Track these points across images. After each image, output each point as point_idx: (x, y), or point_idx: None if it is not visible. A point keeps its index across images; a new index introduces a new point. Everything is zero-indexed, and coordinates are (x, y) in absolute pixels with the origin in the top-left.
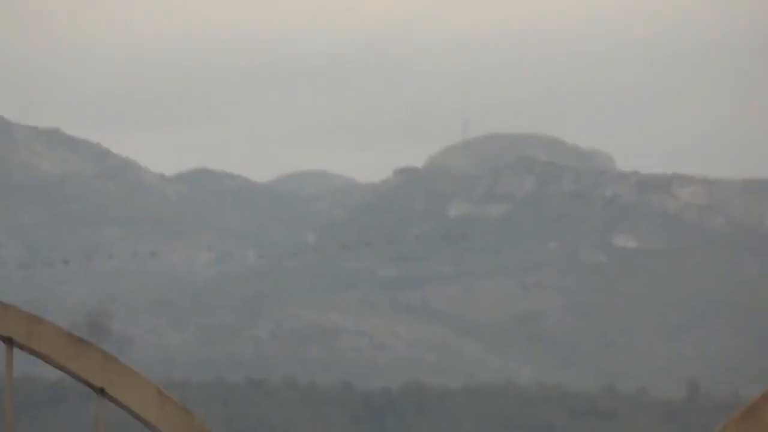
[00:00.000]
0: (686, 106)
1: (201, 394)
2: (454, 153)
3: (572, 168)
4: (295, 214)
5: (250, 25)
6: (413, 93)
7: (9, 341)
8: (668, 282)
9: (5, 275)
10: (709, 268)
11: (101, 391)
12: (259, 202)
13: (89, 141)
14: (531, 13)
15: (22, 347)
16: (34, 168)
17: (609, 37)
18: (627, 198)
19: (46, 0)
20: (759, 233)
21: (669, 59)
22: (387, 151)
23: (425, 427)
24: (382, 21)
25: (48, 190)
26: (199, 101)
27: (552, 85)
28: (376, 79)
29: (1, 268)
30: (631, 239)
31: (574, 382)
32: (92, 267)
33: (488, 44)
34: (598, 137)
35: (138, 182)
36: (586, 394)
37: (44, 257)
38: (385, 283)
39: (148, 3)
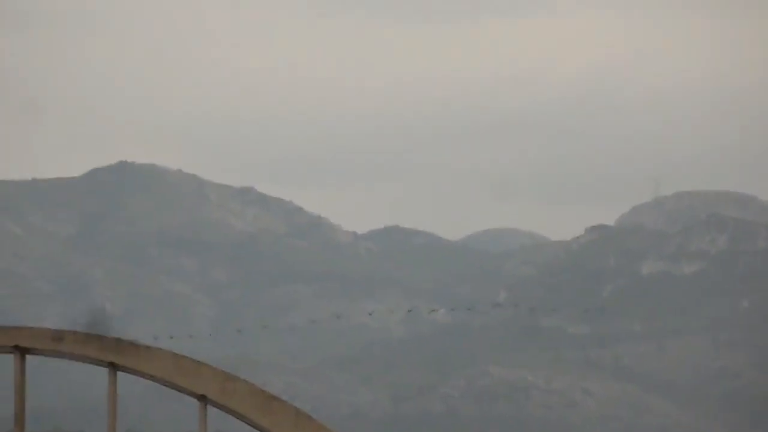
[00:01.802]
0: None
1: None
2: (646, 211)
3: (765, 225)
4: (485, 271)
5: (442, 82)
6: (605, 150)
7: (203, 398)
8: None
9: (198, 333)
10: None
11: None
12: (450, 260)
13: (282, 199)
14: (724, 67)
15: (215, 404)
16: (227, 226)
17: None
18: None
19: (239, 61)
20: None
21: None
22: (578, 209)
23: None
24: (576, 78)
25: (241, 249)
26: (391, 158)
27: (744, 142)
28: (568, 136)
29: (195, 326)
30: None
31: None
32: (284, 325)
33: (679, 100)
34: None
35: (330, 240)
36: None
37: (237, 315)
38: (577, 341)
39: (346, 59)
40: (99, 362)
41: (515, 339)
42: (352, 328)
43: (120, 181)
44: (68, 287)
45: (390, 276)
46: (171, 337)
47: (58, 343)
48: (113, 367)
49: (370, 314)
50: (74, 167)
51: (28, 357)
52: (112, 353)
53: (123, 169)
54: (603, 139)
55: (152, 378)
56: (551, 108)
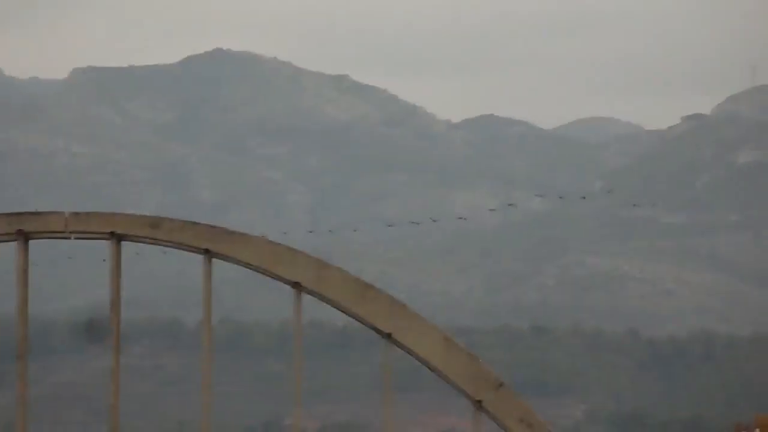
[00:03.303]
0: None
1: (486, 340)
2: (743, 99)
3: None
4: (581, 161)
5: None
6: (701, 39)
7: (297, 286)
8: None
9: (293, 221)
10: None
11: (388, 337)
12: (545, 149)
13: (376, 87)
14: None
15: (310, 292)
16: (322, 114)
17: None
18: None
19: None
20: None
21: None
22: (674, 98)
23: (712, 376)
24: None
25: (335, 136)
26: (487, 48)
27: None
28: (664, 26)
29: (289, 214)
30: None
31: None
32: (378, 213)
33: None
34: None
35: (424, 129)
36: None
37: (330, 203)
38: (672, 231)
39: None
40: (194, 249)
41: (610, 228)
42: (446, 218)
43: (216, 69)
44: (165, 175)
45: (485, 165)
46: (266, 226)
47: (154, 230)
48: (208, 254)
49: (468, 202)
50: (170, 54)
51: (124, 243)
52: (208, 240)
53: (218, 56)
54: (698, 27)
55: (247, 265)
56: None
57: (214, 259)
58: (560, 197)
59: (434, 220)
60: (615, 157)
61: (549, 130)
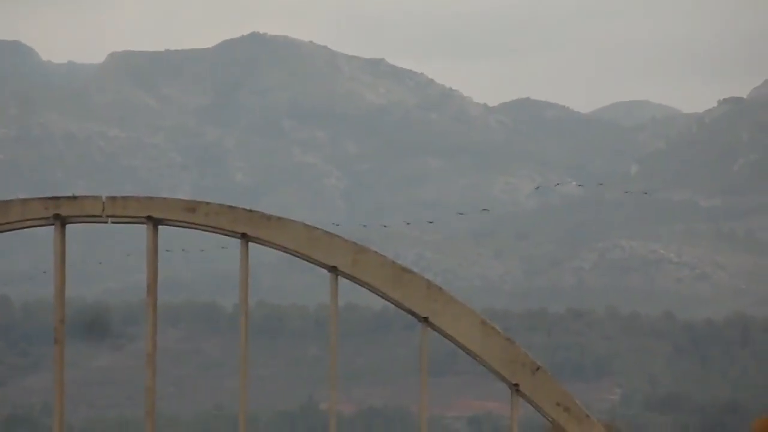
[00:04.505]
0: None
1: (524, 324)
2: None
3: None
4: (617, 144)
5: None
6: (738, 23)
7: (334, 270)
8: None
9: (329, 204)
10: None
11: (425, 320)
12: (581, 133)
13: (413, 71)
14: None
15: (346, 276)
16: (359, 98)
17: None
18: None
19: None
20: None
21: None
22: (711, 81)
23: (749, 359)
24: None
25: (372, 120)
26: (524, 32)
27: None
28: (701, 9)
29: (325, 198)
30: None
31: None
32: (415, 196)
33: None
34: None
35: (461, 112)
36: None
37: (367, 186)
38: (709, 214)
39: None
40: (231, 233)
41: (647, 212)
42: (482, 201)
43: (251, 53)
44: (200, 158)
45: (521, 148)
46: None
47: (190, 214)
48: (245, 238)
49: (505, 185)
50: (206, 38)
51: (161, 228)
52: (245, 224)
53: (255, 40)
54: (735, 12)
55: (284, 249)
56: None
57: (250, 244)
58: (600, 184)
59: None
60: (651, 140)
61: (585, 114)
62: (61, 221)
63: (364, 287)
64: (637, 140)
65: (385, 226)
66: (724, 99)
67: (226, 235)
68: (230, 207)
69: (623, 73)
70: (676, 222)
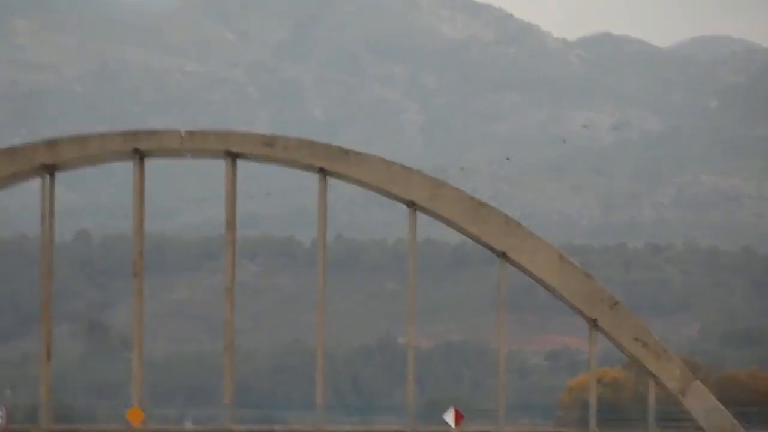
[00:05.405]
0: None
1: (602, 259)
2: None
3: None
4: (696, 79)
5: None
6: None
7: (412, 205)
8: None
9: (407, 140)
10: None
11: (503, 255)
12: (660, 67)
13: (491, 5)
14: None
15: (424, 211)
16: (437, 33)
17: None
18: None
19: None
20: None
21: None
22: None
23: None
24: None
25: (450, 55)
26: None
27: None
28: None
29: (403, 133)
30: None
31: None
32: (492, 132)
33: None
34: None
35: (540, 47)
36: None
37: (445, 122)
38: None
39: None
40: (309, 168)
41: (726, 147)
42: (561, 136)
43: None
44: (278, 93)
45: (600, 83)
46: (380, 145)
47: (269, 149)
48: (323, 172)
49: (585, 126)
50: None
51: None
52: (323, 159)
53: None
54: None
55: (362, 184)
56: None
57: (329, 178)
58: (679, 117)
59: (564, 141)
60: (731, 75)
61: (664, 48)
62: (140, 155)
63: (442, 222)
64: (717, 75)
65: (462, 168)
66: None
67: (304, 169)
68: (309, 141)
69: (703, 7)
70: (756, 156)
